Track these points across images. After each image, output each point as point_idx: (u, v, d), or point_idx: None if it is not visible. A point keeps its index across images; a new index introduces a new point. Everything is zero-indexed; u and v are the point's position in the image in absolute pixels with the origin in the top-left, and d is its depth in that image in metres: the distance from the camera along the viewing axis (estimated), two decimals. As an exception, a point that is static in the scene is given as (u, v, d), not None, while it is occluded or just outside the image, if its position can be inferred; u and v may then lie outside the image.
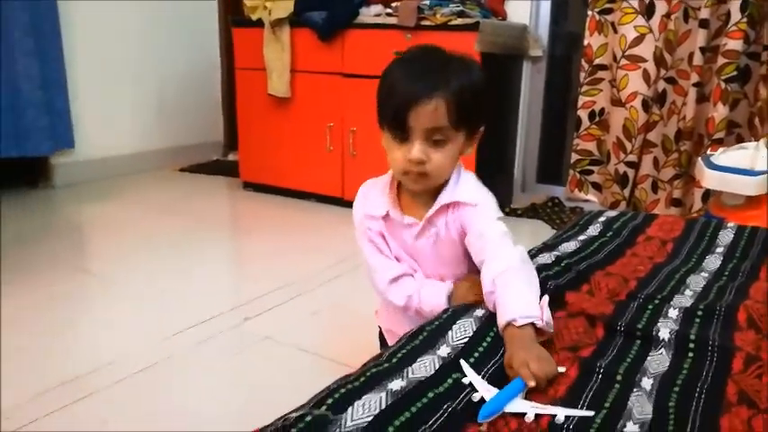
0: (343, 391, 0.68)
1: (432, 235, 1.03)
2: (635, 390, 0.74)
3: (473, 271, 1.03)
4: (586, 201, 2.94)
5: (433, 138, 0.94)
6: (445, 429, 0.64)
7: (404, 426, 0.63)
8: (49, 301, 1.89)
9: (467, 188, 1.02)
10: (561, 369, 0.77)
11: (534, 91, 3.11)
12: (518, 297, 0.86)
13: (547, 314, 0.85)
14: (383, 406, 0.66)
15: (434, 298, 1.02)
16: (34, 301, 1.87)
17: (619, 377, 0.77)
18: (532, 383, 0.73)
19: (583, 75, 2.83)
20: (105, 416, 1.31)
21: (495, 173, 2.87)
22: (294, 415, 0.65)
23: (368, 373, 0.73)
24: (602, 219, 1.39)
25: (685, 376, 0.78)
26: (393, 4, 2.69)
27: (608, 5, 2.73)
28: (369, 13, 2.74)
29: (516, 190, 3.14)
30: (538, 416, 0.68)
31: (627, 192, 2.81)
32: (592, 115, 2.86)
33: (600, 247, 1.23)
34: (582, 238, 1.27)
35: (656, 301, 0.98)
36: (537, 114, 3.15)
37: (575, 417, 0.67)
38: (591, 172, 2.93)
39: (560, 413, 0.68)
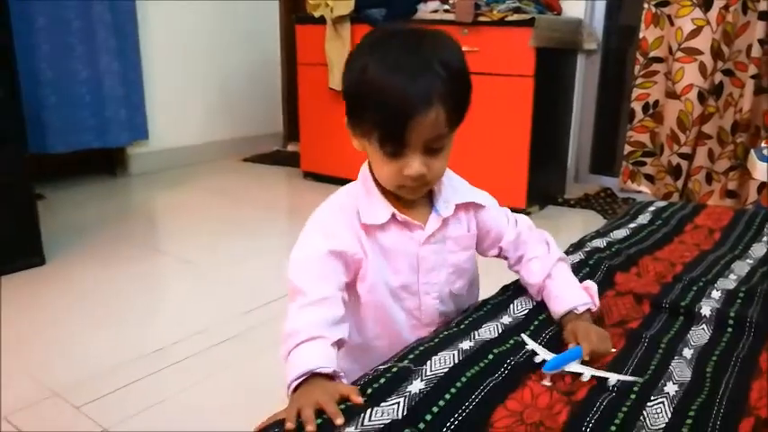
0: (421, 348, 0.81)
1: (440, 239, 0.91)
2: (676, 357, 0.85)
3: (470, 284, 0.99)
4: (639, 192, 2.98)
5: (432, 146, 0.81)
6: (509, 380, 0.76)
7: (475, 376, 0.75)
8: (129, 278, 2.09)
9: (464, 185, 0.97)
10: (613, 350, 0.86)
11: (588, 83, 3.15)
12: (572, 287, 0.93)
13: (596, 299, 0.93)
14: (456, 361, 0.78)
15: (298, 365, 0.72)
16: (116, 278, 2.07)
17: (662, 346, 0.87)
18: (587, 357, 0.81)
19: (637, 67, 2.86)
20: (185, 384, 1.47)
21: (547, 163, 2.94)
22: (382, 367, 0.78)
23: (440, 336, 0.85)
24: (651, 208, 1.47)
25: (723, 347, 0.88)
26: (450, 1, 2.78)
27: (664, -2, 2.75)
28: (426, 9, 2.85)
29: (569, 180, 3.19)
30: (594, 376, 0.77)
31: (680, 183, 2.83)
32: (646, 107, 2.89)
33: (649, 234, 1.32)
34: (632, 225, 1.36)
35: (701, 283, 1.07)
36: (591, 106, 3.19)
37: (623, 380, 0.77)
38: (644, 163, 2.96)
39: (612, 377, 0.77)
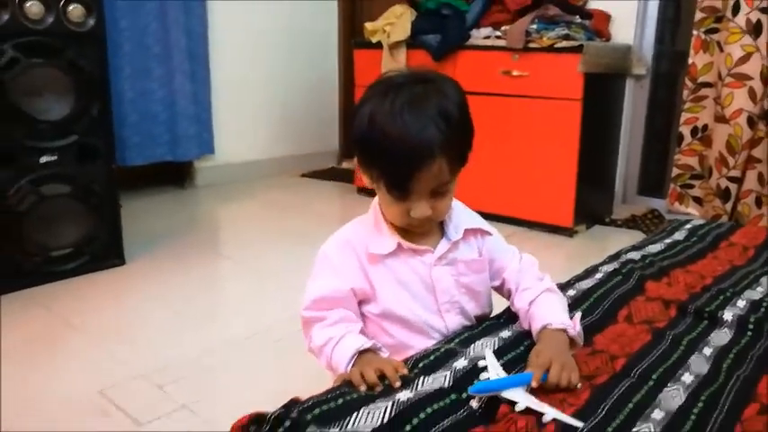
0: (466, 335, 0.94)
1: (451, 261, 0.97)
2: (696, 353, 0.95)
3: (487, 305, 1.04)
4: (687, 214, 3.01)
5: (437, 191, 0.88)
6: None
7: (510, 361, 0.88)
8: (198, 279, 2.28)
9: (469, 212, 1.03)
10: (579, 385, 0.82)
11: (637, 107, 3.22)
12: (552, 309, 0.94)
13: (579, 328, 0.93)
14: (496, 347, 0.91)
15: (344, 354, 0.87)
16: (187, 278, 2.27)
17: (684, 344, 0.97)
18: (535, 384, 0.79)
19: (686, 92, 2.91)
20: (254, 371, 1.63)
21: (595, 184, 3.01)
22: (431, 348, 0.91)
23: (484, 325, 0.98)
24: (688, 226, 1.56)
25: (740, 348, 0.97)
26: (502, 28, 2.91)
27: (714, 25, 2.81)
28: (479, 36, 2.99)
29: (617, 201, 3.25)
30: (528, 409, 0.75)
31: (729, 206, 2.86)
32: (694, 131, 2.94)
33: (683, 249, 1.41)
34: (668, 241, 1.45)
35: (728, 294, 1.16)
36: (639, 129, 3.25)
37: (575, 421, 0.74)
38: (692, 186, 3.00)
39: (550, 413, 0.75)
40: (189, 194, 3.57)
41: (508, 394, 0.77)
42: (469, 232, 0.99)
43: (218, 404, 1.46)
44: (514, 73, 2.81)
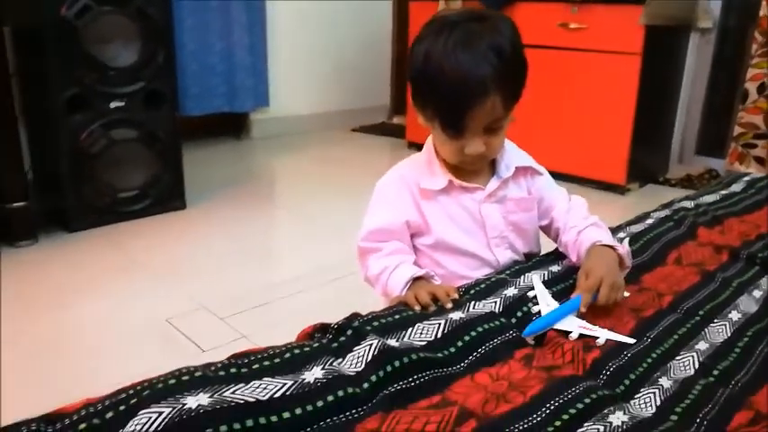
0: (517, 267, 0.98)
1: (500, 198, 1.00)
2: (745, 294, 0.96)
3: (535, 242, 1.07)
4: (747, 174, 2.92)
5: (491, 127, 0.90)
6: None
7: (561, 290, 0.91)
8: (253, 224, 2.38)
9: (520, 152, 1.05)
10: (626, 294, 0.89)
11: (701, 63, 3.11)
12: (601, 234, 0.96)
13: (627, 247, 0.95)
14: (546, 278, 0.95)
15: (399, 281, 0.92)
16: (243, 223, 2.37)
17: (733, 285, 0.99)
18: (584, 310, 0.83)
19: (755, 47, 2.79)
20: (317, 309, 1.72)
21: (651, 142, 2.95)
22: (483, 277, 0.95)
23: (535, 260, 1.02)
24: (746, 178, 1.53)
25: (791, 291, 0.98)
26: (562, -22, 2.84)
27: (789, -25, 2.67)
28: (537, -13, 2.92)
29: (673, 160, 3.18)
30: (582, 336, 0.79)
31: (793, 167, 2.76)
32: (761, 88, 2.83)
33: (739, 200, 1.39)
34: (724, 192, 1.44)
35: (783, 242, 1.16)
36: (702, 86, 3.14)
37: (620, 341, 0.79)
38: (755, 146, 2.90)
39: (603, 336, 0.78)
40: (244, 145, 3.67)
41: (561, 326, 0.80)
42: (520, 171, 1.01)
43: (275, 335, 1.53)
44: (572, 26, 2.75)
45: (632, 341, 0.79)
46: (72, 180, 2.10)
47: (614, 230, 1.16)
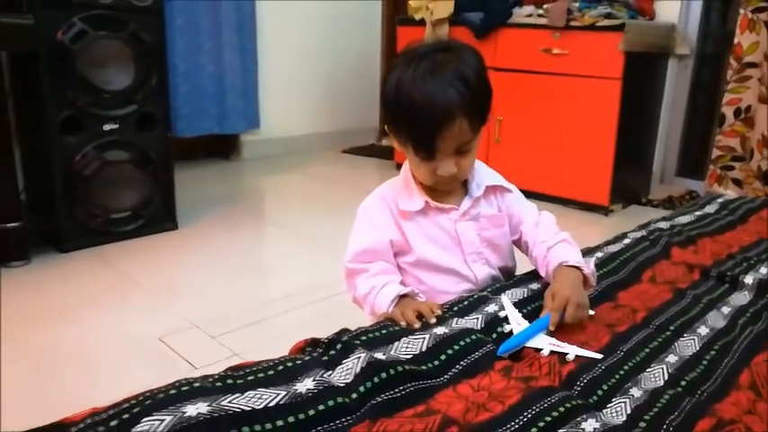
0: (498, 285, 1.03)
1: (474, 216, 1.05)
2: (714, 310, 1.02)
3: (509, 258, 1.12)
4: (720, 196, 3.01)
5: (461, 149, 0.95)
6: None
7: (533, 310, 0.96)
8: (246, 242, 2.43)
9: (489, 171, 1.10)
10: (591, 312, 0.94)
11: (679, 87, 3.21)
12: (569, 252, 1.00)
13: (593, 267, 0.99)
14: (525, 296, 0.99)
15: (386, 299, 0.97)
16: (235, 242, 2.41)
17: (703, 302, 1.04)
18: (552, 328, 0.87)
19: (730, 72, 2.90)
20: (308, 327, 1.75)
21: (632, 163, 3.03)
22: (465, 294, 1.00)
23: (515, 279, 1.07)
24: (720, 200, 1.60)
25: (758, 307, 1.03)
26: (544, 6, 2.94)
27: (761, 4, 2.78)
28: (522, 14, 3.01)
29: (654, 182, 3.26)
30: (553, 352, 0.83)
31: (769, 188, 2.85)
32: (737, 112, 2.92)
33: (713, 221, 1.46)
34: (698, 213, 1.50)
35: (752, 261, 1.22)
36: (681, 109, 3.24)
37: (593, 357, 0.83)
38: (732, 168, 2.99)
39: (572, 352, 0.82)
40: (235, 166, 3.72)
41: (532, 343, 0.84)
42: (490, 189, 1.07)
43: (267, 353, 1.57)
44: (555, 51, 2.84)
45: (600, 356, 0.83)
46: (65, 201, 2.13)
47: (592, 250, 1.22)
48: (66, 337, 1.63)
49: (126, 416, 0.63)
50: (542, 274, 1.04)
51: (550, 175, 2.94)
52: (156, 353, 1.57)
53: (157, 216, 2.40)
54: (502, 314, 0.92)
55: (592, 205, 2.87)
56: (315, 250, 2.36)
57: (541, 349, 0.84)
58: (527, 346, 0.84)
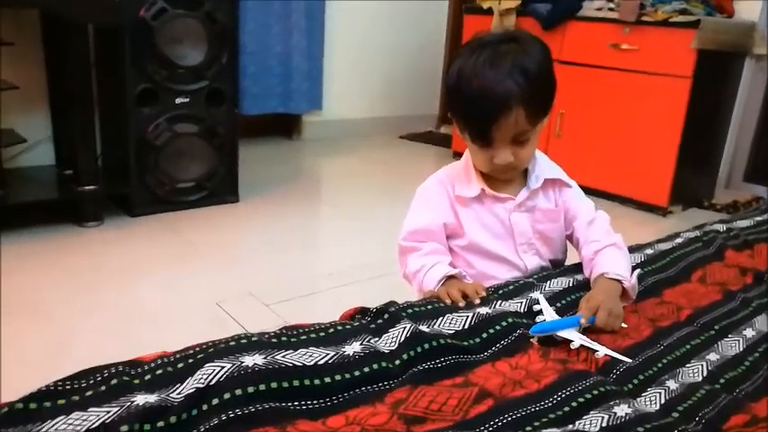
0: (545, 273, 1.05)
1: (529, 208, 1.07)
2: (763, 314, 1.01)
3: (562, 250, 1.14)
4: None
5: (518, 139, 0.97)
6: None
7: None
8: (302, 220, 2.51)
9: (551, 164, 1.11)
10: (624, 324, 0.92)
11: (755, 89, 3.09)
12: (614, 261, 1.00)
13: (634, 281, 0.98)
14: (570, 285, 1.01)
15: (434, 278, 1.00)
16: (292, 218, 2.49)
17: (753, 305, 1.03)
18: (583, 323, 0.87)
19: (811, 76, 2.77)
20: (358, 302, 1.81)
21: (697, 165, 2.94)
22: (512, 279, 1.03)
23: (563, 268, 1.09)
24: (783, 206, 1.56)
25: (810, 315, 1.02)
26: (616, 0, 2.88)
27: None
28: (591, 6, 2.96)
29: (720, 185, 3.16)
30: (583, 346, 0.83)
31: (844, 200, 2.72)
32: (815, 118, 2.80)
33: (773, 227, 1.42)
34: (758, 218, 1.47)
35: (810, 269, 1.19)
36: (754, 112, 3.12)
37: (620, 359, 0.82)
38: (805, 176, 2.87)
39: (602, 350, 0.83)
40: (296, 145, 3.82)
41: (564, 334, 0.85)
42: (549, 182, 1.08)
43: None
44: (624, 46, 2.78)
45: (629, 360, 0.82)
46: (137, 168, 2.26)
47: (642, 247, 1.22)
48: (130, 295, 1.75)
49: (191, 360, 0.69)
50: (587, 274, 1.05)
51: (610, 171, 2.89)
52: (212, 316, 1.67)
53: (220, 188, 2.50)
54: (536, 308, 0.93)
55: (650, 205, 2.81)
56: (367, 231, 2.42)
57: (572, 341, 0.84)
58: (559, 334, 0.85)
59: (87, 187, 2.13)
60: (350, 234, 2.42)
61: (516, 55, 0.95)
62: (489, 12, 3.27)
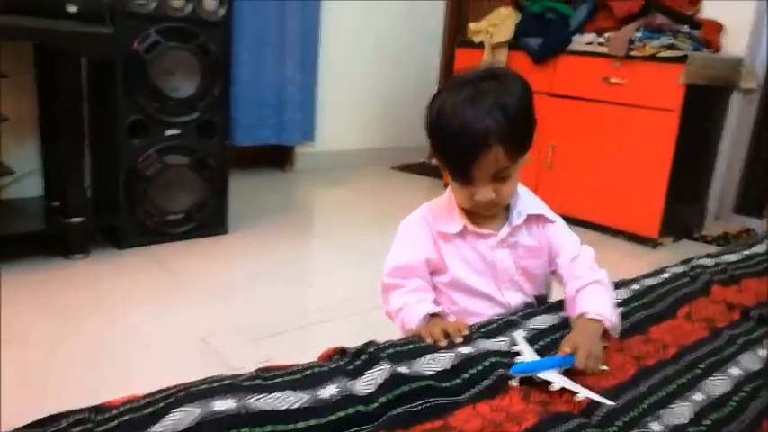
0: (529, 310, 1.04)
1: (512, 244, 1.06)
2: (749, 352, 0.99)
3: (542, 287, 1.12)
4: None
5: (499, 176, 0.96)
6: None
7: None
8: (292, 253, 2.49)
9: (535, 199, 1.10)
10: (604, 367, 0.89)
11: (742, 122, 3.12)
12: (596, 300, 0.98)
13: (616, 320, 0.97)
14: (553, 324, 1.00)
15: (416, 316, 0.99)
16: (282, 251, 2.47)
17: (739, 342, 1.02)
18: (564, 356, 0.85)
19: (797, 110, 2.80)
20: (345, 338, 1.79)
21: (687, 198, 2.96)
22: (496, 317, 1.02)
23: (548, 305, 1.07)
24: (771, 241, 1.55)
25: (798, 353, 1.00)
26: (606, 34, 2.92)
27: (835, 42, 2.68)
28: (581, 41, 3.00)
29: (710, 218, 3.17)
30: (564, 389, 0.80)
31: (834, 233, 2.72)
32: (803, 151, 2.82)
33: (761, 261, 1.42)
34: (746, 252, 1.46)
35: (797, 305, 1.18)
36: (742, 145, 3.15)
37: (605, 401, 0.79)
38: (795, 208, 2.88)
39: (582, 393, 0.80)
40: (288, 177, 3.82)
41: (545, 375, 0.83)
42: (532, 218, 1.07)
43: (303, 359, 1.62)
44: (613, 80, 2.82)
45: (611, 403, 0.79)
46: (126, 200, 2.25)
47: (628, 282, 1.21)
48: (115, 327, 1.73)
49: (160, 405, 0.67)
50: (569, 313, 1.02)
51: (601, 203, 2.90)
52: (196, 350, 1.64)
53: (210, 220, 2.49)
54: (514, 348, 0.91)
55: (641, 237, 2.81)
56: (359, 264, 2.40)
57: (553, 383, 0.82)
58: (540, 376, 0.83)
59: (74, 219, 2.12)
60: (340, 266, 2.40)
61: (497, 93, 0.95)
62: (481, 45, 3.31)
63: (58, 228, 2.14)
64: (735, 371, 0.93)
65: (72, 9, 1.94)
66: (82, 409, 0.67)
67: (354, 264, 2.41)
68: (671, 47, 2.70)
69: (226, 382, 0.72)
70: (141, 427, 0.64)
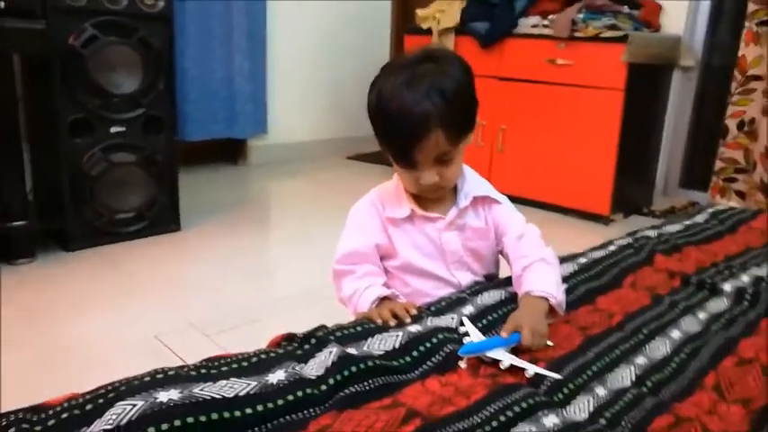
0: (478, 287, 1.05)
1: (459, 226, 1.06)
2: (689, 315, 1.03)
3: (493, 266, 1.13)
4: (713, 206, 3.00)
5: (442, 159, 0.96)
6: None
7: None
8: (248, 246, 2.46)
9: (480, 181, 1.10)
10: (549, 343, 0.89)
11: (684, 99, 3.21)
12: (541, 278, 0.98)
13: (561, 297, 0.97)
14: (501, 298, 1.02)
15: (367, 300, 1.00)
16: (237, 245, 2.44)
17: (680, 307, 1.06)
18: (505, 335, 0.86)
19: (734, 85, 2.90)
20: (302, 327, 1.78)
21: (635, 174, 3.03)
22: (445, 295, 1.02)
23: (496, 282, 1.09)
24: (711, 210, 1.61)
25: (734, 314, 1.05)
26: (549, 17, 2.96)
27: (766, 18, 2.78)
28: (527, 24, 3.04)
29: (657, 193, 3.26)
30: (513, 366, 0.81)
31: (772, 201, 2.84)
32: (741, 125, 2.92)
33: (701, 230, 1.47)
34: (687, 222, 1.52)
35: (734, 269, 1.23)
36: (684, 121, 3.25)
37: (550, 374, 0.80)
38: (735, 180, 2.99)
39: (531, 369, 0.80)
40: (242, 171, 3.77)
41: (493, 354, 0.83)
42: (479, 200, 1.08)
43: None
44: (559, 61, 2.86)
45: (559, 377, 0.80)
46: (72, 201, 2.18)
47: (576, 256, 1.24)
48: (65, 332, 1.68)
49: (101, 401, 0.66)
50: (517, 291, 1.03)
51: (552, 184, 2.95)
52: (151, 350, 1.61)
53: (161, 218, 2.44)
54: (462, 330, 0.91)
55: (593, 215, 2.88)
56: (315, 255, 2.38)
57: (501, 360, 0.82)
58: (488, 355, 0.83)
59: (16, 222, 2.04)
60: (297, 258, 2.38)
61: (434, 76, 0.94)
62: (429, 32, 3.32)
63: (-1, 232, 2.07)
64: (675, 334, 0.96)
65: None
66: (16, 410, 0.65)
67: (311, 255, 2.39)
68: (612, 27, 2.76)
69: (170, 373, 0.71)
70: (82, 423, 0.62)
